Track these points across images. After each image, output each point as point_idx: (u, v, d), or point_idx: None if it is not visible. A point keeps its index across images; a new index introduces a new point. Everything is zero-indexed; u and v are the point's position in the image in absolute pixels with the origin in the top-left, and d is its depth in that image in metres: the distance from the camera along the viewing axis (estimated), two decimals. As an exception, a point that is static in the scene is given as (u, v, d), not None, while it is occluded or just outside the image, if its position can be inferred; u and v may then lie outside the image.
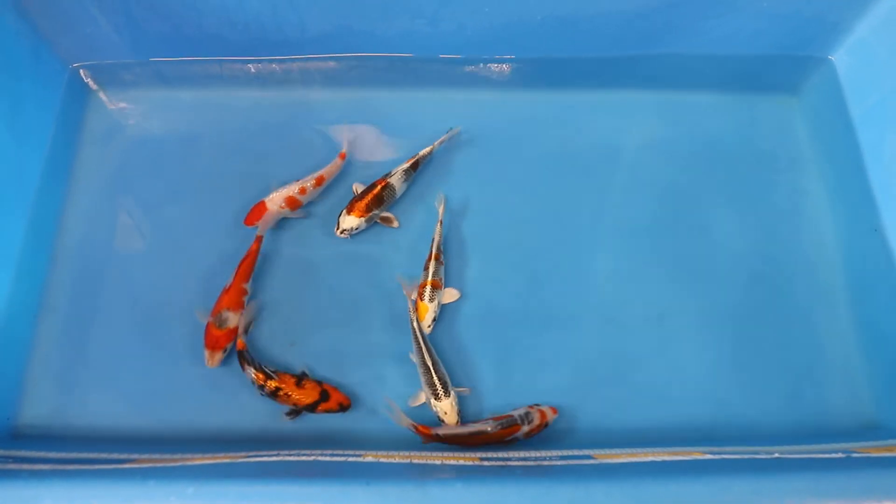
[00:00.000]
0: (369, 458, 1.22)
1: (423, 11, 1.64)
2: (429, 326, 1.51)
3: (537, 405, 1.44)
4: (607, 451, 1.31)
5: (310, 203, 1.65)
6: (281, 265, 1.61)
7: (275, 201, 1.59)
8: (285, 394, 1.42)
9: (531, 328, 1.56)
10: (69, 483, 0.99)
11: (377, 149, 1.74)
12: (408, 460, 1.22)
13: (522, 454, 1.30)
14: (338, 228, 1.59)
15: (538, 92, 1.81)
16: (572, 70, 1.81)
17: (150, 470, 1.09)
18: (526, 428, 1.40)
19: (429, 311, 1.51)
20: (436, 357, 1.47)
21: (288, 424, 1.45)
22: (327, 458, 1.22)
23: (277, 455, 1.24)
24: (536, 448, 1.38)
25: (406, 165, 1.63)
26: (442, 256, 1.58)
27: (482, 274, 1.61)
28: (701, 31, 1.71)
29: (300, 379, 1.45)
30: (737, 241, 1.65)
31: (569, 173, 1.72)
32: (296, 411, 1.45)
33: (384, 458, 1.23)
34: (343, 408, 1.44)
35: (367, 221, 1.59)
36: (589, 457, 1.26)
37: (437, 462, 1.21)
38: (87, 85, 1.78)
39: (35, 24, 1.62)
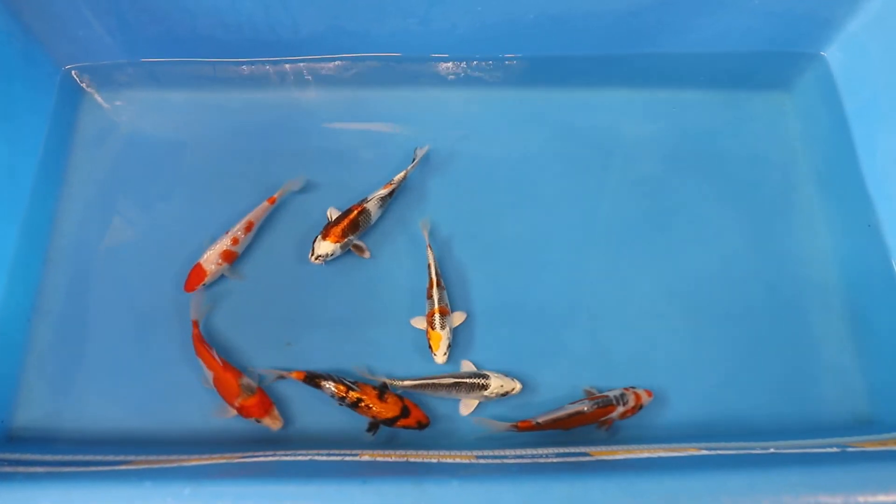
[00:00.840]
0: (366, 457, 1.22)
1: (415, 11, 1.65)
2: (444, 354, 1.48)
3: (633, 387, 1.46)
4: (603, 448, 1.32)
5: (244, 256, 1.61)
6: (276, 266, 1.61)
7: (211, 260, 1.54)
8: (366, 405, 1.41)
9: (525, 326, 1.56)
10: (65, 485, 0.99)
11: (371, 148, 1.74)
12: (404, 459, 1.22)
13: (518, 452, 1.31)
14: (312, 254, 1.55)
15: (530, 90, 1.81)
16: (565, 68, 1.82)
17: (147, 471, 1.09)
18: (621, 409, 1.41)
19: (442, 338, 1.49)
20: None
21: (290, 426, 1.45)
22: (323, 458, 1.22)
23: (274, 455, 1.24)
24: (532, 446, 1.38)
25: (383, 192, 1.60)
26: (443, 281, 1.56)
27: (475, 272, 1.61)
28: (693, 28, 1.72)
29: (382, 392, 1.43)
30: (730, 238, 1.66)
31: (561, 171, 1.72)
32: (374, 425, 1.43)
33: (380, 456, 1.23)
34: (421, 426, 1.43)
35: (342, 248, 1.56)
36: (585, 454, 1.27)
37: (434, 460, 1.21)
38: (79, 86, 1.77)
39: (27, 25, 1.61)
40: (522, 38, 1.74)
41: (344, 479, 0.99)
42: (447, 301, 1.53)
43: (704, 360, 1.54)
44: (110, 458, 1.30)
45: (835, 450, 1.24)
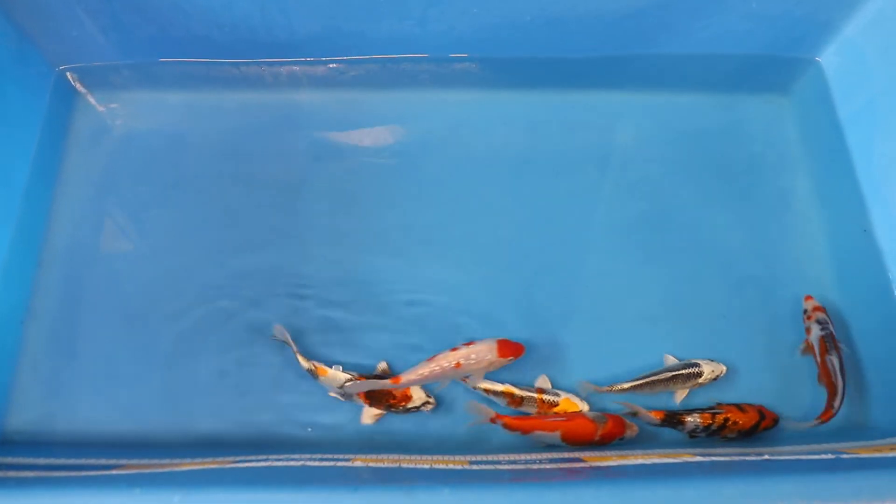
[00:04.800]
0: (358, 463, 1.22)
1: (411, 13, 1.64)
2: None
3: None
4: (597, 454, 1.31)
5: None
6: (270, 266, 1.61)
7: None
8: (733, 422, 1.40)
9: (521, 328, 1.55)
10: (55, 491, 0.99)
11: (368, 150, 1.74)
12: (396, 464, 1.22)
13: (512, 457, 1.30)
14: (424, 404, 1.44)
15: (528, 92, 1.81)
16: (562, 70, 1.81)
17: (137, 477, 1.08)
18: None
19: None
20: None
21: (281, 429, 1.45)
22: (316, 464, 1.22)
23: (266, 460, 1.24)
24: (527, 452, 1.38)
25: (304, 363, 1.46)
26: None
27: (472, 276, 1.61)
28: (690, 31, 1.71)
29: (738, 404, 1.43)
30: (726, 242, 1.66)
31: (558, 173, 1.72)
32: (732, 439, 1.42)
33: (373, 462, 1.23)
34: (776, 422, 1.43)
35: (422, 390, 1.45)
36: (579, 459, 1.26)
37: (426, 466, 1.21)
38: (74, 87, 1.77)
39: (21, 26, 1.61)
40: (520, 40, 1.74)
41: (335, 486, 0.99)
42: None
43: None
44: (102, 461, 1.29)
45: (829, 456, 1.24)
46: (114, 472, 1.16)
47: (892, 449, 1.28)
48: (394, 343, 1.54)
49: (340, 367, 1.46)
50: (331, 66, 1.80)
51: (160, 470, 1.16)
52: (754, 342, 1.56)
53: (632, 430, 1.41)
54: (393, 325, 1.55)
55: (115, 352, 1.52)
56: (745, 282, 1.62)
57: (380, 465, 1.21)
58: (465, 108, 1.79)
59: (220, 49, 1.74)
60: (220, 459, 1.25)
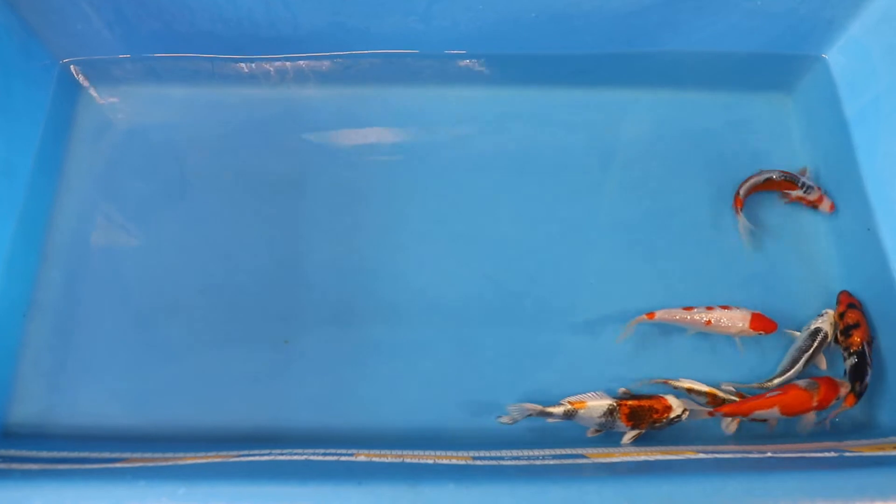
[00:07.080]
0: (361, 458, 1.22)
1: (415, 8, 1.64)
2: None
3: None
4: (600, 450, 1.31)
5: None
6: (272, 262, 1.61)
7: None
8: None
9: (523, 326, 1.56)
10: (59, 484, 0.99)
11: (371, 146, 1.74)
12: (400, 459, 1.22)
13: (515, 453, 1.30)
14: (684, 412, 1.40)
15: (532, 88, 1.81)
16: (565, 67, 1.81)
17: (141, 470, 1.09)
18: None
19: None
20: None
21: (281, 423, 1.45)
22: (319, 458, 1.22)
23: (269, 454, 1.24)
24: (530, 447, 1.38)
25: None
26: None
27: (475, 272, 1.61)
28: (694, 28, 1.71)
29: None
30: (730, 240, 1.65)
31: (561, 170, 1.71)
32: None
33: (376, 457, 1.23)
34: None
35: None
36: (582, 456, 1.26)
37: (430, 461, 1.21)
38: (77, 81, 1.76)
39: (25, 18, 1.61)
40: (524, 36, 1.74)
41: (340, 480, 0.99)
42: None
43: (704, 362, 1.53)
44: (105, 454, 1.29)
45: (833, 454, 1.24)
46: (117, 465, 1.16)
47: (895, 447, 1.28)
48: (396, 339, 1.54)
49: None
50: (334, 61, 1.80)
51: (164, 463, 1.16)
52: (757, 340, 1.55)
53: (845, 388, 1.43)
54: (393, 323, 1.55)
55: (117, 345, 1.52)
56: (748, 280, 1.62)
57: (383, 459, 1.21)
58: (468, 105, 1.79)
59: (224, 44, 1.74)
60: (223, 453, 1.25)
